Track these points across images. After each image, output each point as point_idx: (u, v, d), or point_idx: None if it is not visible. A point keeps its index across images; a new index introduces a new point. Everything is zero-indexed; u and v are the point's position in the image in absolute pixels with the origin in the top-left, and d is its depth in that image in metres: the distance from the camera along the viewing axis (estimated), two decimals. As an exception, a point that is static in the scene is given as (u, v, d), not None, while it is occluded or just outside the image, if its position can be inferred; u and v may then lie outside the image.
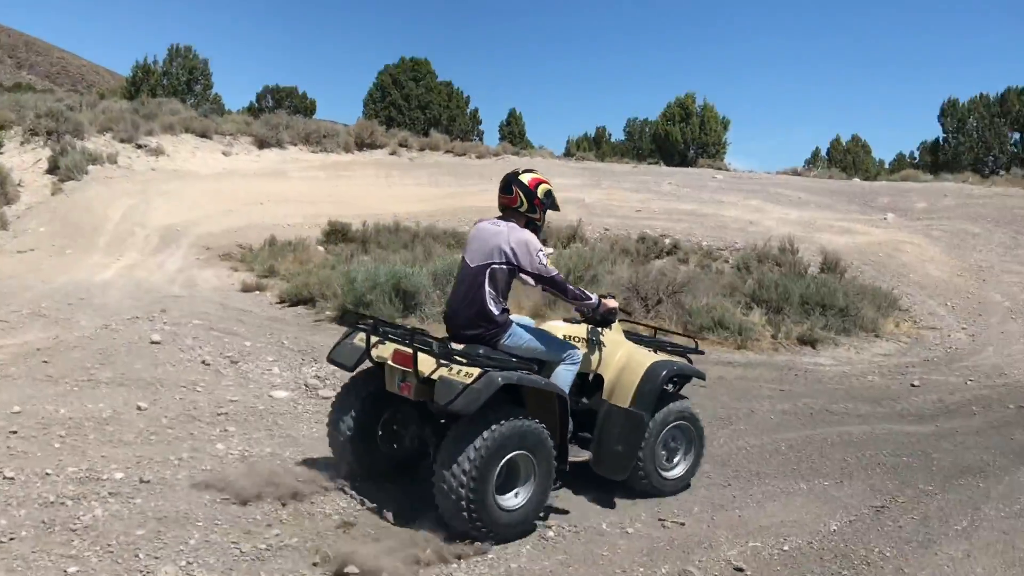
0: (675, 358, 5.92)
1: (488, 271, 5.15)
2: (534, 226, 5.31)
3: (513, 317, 5.34)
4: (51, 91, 42.59)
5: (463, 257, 5.39)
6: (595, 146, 43.40)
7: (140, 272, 13.21)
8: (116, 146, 22.01)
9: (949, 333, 12.56)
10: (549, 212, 5.45)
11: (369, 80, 42.03)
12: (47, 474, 4.96)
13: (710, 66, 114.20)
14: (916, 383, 9.75)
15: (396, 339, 5.09)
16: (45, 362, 7.39)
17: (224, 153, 24.92)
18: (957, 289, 14.79)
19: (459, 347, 5.03)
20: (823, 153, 44.43)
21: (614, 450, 5.38)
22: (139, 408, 6.43)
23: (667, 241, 16.97)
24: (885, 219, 20.49)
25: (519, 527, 4.82)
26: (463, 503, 4.53)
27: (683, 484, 5.83)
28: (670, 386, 5.82)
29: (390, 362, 5.01)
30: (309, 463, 5.53)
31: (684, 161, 34.47)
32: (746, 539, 5.04)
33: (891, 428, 7.85)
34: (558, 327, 5.65)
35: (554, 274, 5.23)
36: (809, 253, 15.74)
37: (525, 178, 5.37)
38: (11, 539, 4.14)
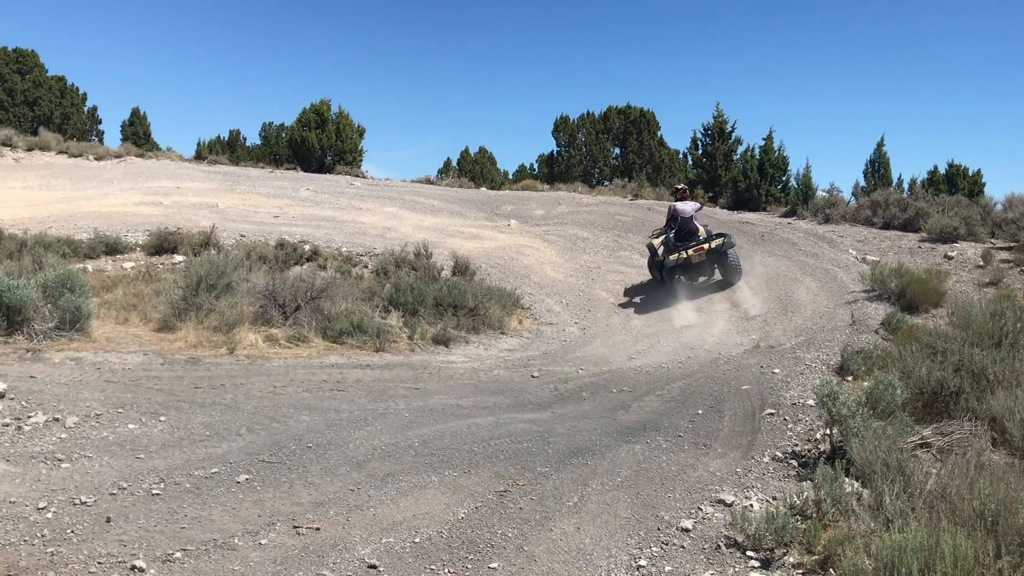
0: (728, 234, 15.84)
1: (694, 217, 15.71)
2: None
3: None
4: None
5: (678, 216, 15.51)
6: (229, 149, 41.81)
7: None
8: None
9: (564, 327, 13.84)
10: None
11: (-39, 71, 36.78)
12: None
13: (344, 73, 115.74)
14: (536, 374, 10.60)
15: (692, 247, 15.20)
16: None
17: None
18: (570, 287, 16.36)
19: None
20: (454, 163, 46.73)
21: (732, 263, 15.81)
22: None
23: (306, 247, 16.84)
24: (509, 225, 22.07)
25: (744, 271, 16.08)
26: (736, 268, 15.52)
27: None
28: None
29: (693, 253, 15.09)
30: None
31: (322, 167, 34.35)
32: (380, 536, 5.18)
33: (514, 417, 8.41)
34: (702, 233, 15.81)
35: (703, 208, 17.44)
36: (442, 257, 16.49)
37: (687, 188, 17.76)
38: None
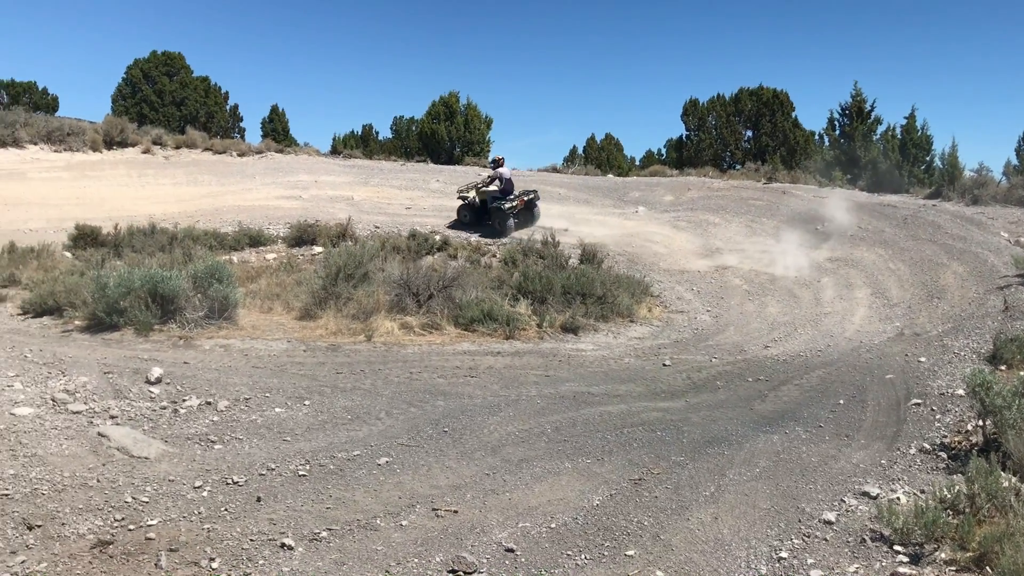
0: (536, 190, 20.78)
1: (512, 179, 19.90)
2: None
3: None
4: None
5: (503, 177, 19.31)
6: (363, 144, 42.91)
7: None
8: None
9: (695, 315, 13.59)
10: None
11: (117, 75, 39.27)
12: None
13: (470, 65, 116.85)
14: (667, 363, 10.46)
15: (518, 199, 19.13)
16: None
17: (-53, 152, 22.48)
18: (702, 274, 16.05)
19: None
20: (580, 151, 46.49)
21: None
22: None
23: (437, 237, 17.18)
24: (637, 212, 21.84)
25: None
26: (537, 216, 19.81)
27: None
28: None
29: (518, 203, 18.87)
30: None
31: (451, 159, 34.89)
32: (516, 520, 5.24)
33: (646, 406, 8.34)
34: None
35: None
36: (569, 245, 16.51)
37: (503, 157, 20.43)
38: None
